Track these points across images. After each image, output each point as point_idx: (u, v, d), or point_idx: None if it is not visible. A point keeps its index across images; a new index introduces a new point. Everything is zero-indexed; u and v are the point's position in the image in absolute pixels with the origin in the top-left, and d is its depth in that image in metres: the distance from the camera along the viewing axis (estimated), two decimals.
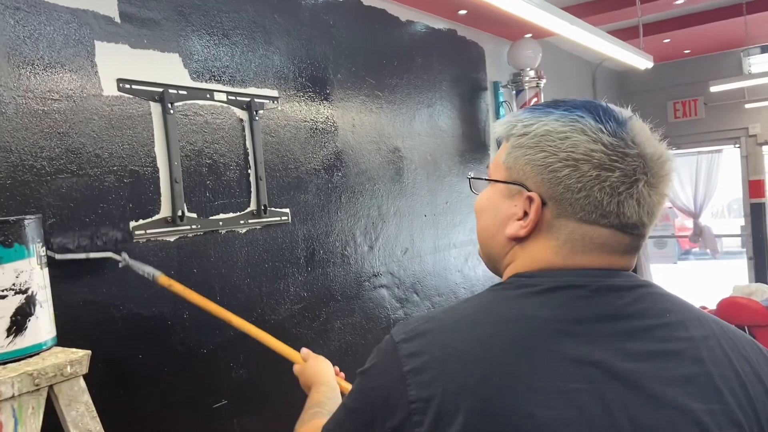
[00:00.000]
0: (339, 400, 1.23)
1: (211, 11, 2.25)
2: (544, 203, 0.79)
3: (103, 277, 1.86)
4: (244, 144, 2.35)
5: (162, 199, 2.05)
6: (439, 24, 3.58)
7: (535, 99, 3.97)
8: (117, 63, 1.94)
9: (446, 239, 3.61)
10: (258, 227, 2.40)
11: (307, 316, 2.59)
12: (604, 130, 0.76)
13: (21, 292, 0.99)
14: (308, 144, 2.66)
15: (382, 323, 3.01)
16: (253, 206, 2.37)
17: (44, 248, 1.08)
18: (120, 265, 1.83)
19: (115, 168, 1.92)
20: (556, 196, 0.77)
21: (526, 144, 0.80)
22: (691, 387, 0.71)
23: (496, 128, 0.87)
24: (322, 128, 2.74)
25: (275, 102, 2.50)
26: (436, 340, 0.73)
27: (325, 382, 1.42)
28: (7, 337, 0.97)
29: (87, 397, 1.27)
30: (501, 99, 4.06)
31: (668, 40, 4.88)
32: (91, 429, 1.28)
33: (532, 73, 3.93)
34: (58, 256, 1.66)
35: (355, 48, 2.95)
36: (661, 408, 0.69)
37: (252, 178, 2.38)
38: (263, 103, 2.44)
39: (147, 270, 1.81)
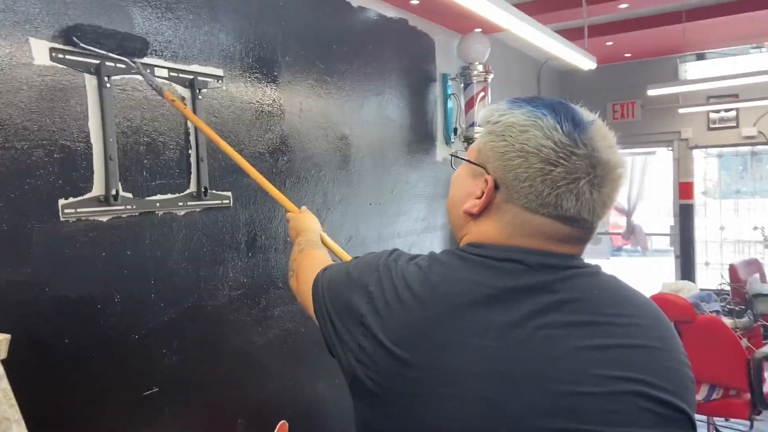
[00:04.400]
0: (321, 245, 1.55)
1: None
2: (497, 187, 0.89)
3: (29, 254, 1.76)
4: (186, 123, 2.27)
5: (95, 176, 1.95)
6: (391, 12, 3.56)
7: (482, 93, 4.01)
8: (51, 31, 1.82)
9: (391, 228, 3.61)
10: (197, 210, 2.32)
11: (246, 302, 2.54)
12: (559, 129, 0.84)
13: None
14: (253, 127, 2.60)
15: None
16: (192, 188, 2.30)
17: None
18: (132, 71, 1.97)
19: (44, 142, 1.81)
20: (507, 183, 0.87)
21: (494, 131, 0.90)
22: (600, 353, 0.80)
23: (480, 113, 1.00)
24: (269, 111, 2.68)
25: (220, 81, 2.42)
26: (398, 282, 0.90)
27: (315, 230, 1.66)
28: None
29: (5, 383, 1.20)
30: (449, 91, 4.08)
31: (611, 43, 5.02)
32: (9, 417, 1.21)
33: (480, 68, 3.97)
34: (83, 45, 1.85)
35: (305, 31, 2.90)
36: (562, 368, 0.78)
37: (192, 159, 2.30)
38: (207, 81, 2.36)
39: (157, 83, 1.96)
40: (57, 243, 1.84)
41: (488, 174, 0.89)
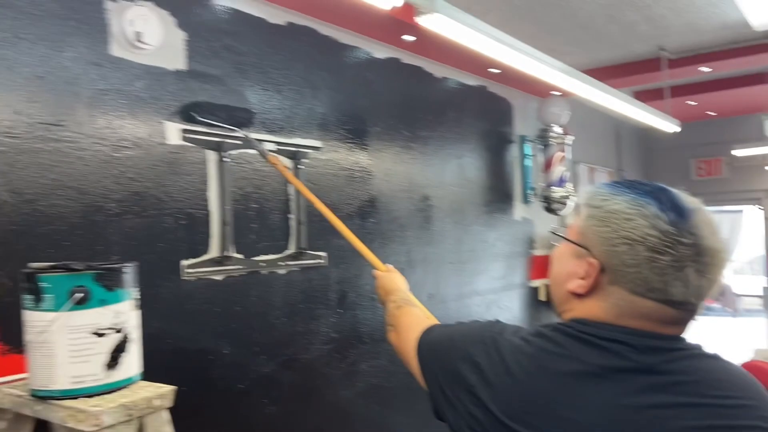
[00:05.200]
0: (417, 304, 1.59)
1: (266, 68, 2.44)
2: (602, 270, 0.91)
3: (157, 309, 2.00)
4: (288, 190, 2.51)
5: (212, 240, 2.20)
6: (471, 80, 3.76)
7: (560, 154, 4.11)
8: (181, 115, 2.12)
9: (470, 286, 3.71)
10: (296, 269, 2.53)
11: (336, 356, 2.70)
12: (664, 218, 0.87)
13: (118, 331, 1.13)
14: (345, 191, 2.81)
15: (406, 367, 3.10)
16: (292, 249, 2.52)
17: (138, 292, 1.22)
18: (241, 137, 2.23)
19: (172, 210, 2.08)
20: (612, 267, 0.90)
21: (597, 216, 0.93)
22: None
23: (580, 194, 1.03)
24: (359, 176, 2.89)
25: (318, 151, 2.66)
26: (507, 356, 0.94)
27: (403, 289, 1.70)
28: (106, 370, 1.10)
29: (170, 429, 1.36)
30: (527, 152, 4.20)
31: (693, 103, 5.01)
32: None
33: (558, 130, 4.08)
34: (200, 118, 2.13)
35: (392, 102, 3.13)
36: None
37: (293, 223, 2.53)
38: (307, 152, 2.60)
39: (262, 148, 2.20)
40: (179, 299, 2.08)
41: (593, 257, 0.92)
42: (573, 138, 4.14)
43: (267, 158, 2.16)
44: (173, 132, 2.10)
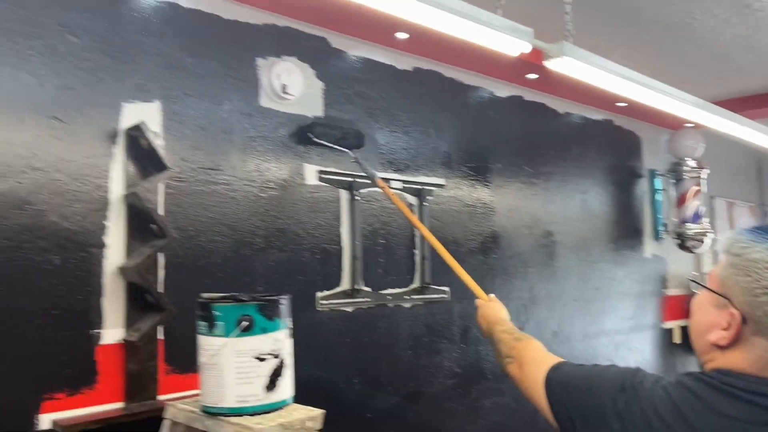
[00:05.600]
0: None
1: (394, 111, 2.59)
2: (744, 321, 0.89)
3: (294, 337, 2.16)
4: (412, 227, 2.61)
5: (344, 273, 2.34)
6: (596, 115, 3.70)
7: (695, 188, 3.89)
8: (319, 157, 2.30)
9: (596, 326, 3.58)
10: (420, 303, 2.61)
11: (458, 392, 2.72)
12: None
13: (276, 356, 1.27)
14: (468, 227, 2.87)
15: (530, 406, 3.04)
16: (417, 283, 2.60)
17: (291, 322, 1.36)
18: (351, 160, 2.27)
19: (309, 245, 2.24)
20: (755, 318, 0.88)
21: (737, 264, 0.91)
22: None
23: (719, 241, 1.02)
24: (481, 213, 2.94)
25: (441, 189, 2.75)
26: (648, 408, 0.92)
27: (507, 320, 1.67)
28: (266, 392, 1.24)
29: None
30: (658, 187, 4.02)
31: None
32: None
33: (692, 163, 3.87)
34: (315, 139, 2.21)
35: (515, 139, 3.16)
36: None
37: (417, 258, 2.62)
38: (431, 189, 2.70)
39: (371, 171, 2.22)
40: (313, 328, 2.23)
41: (734, 308, 0.90)
42: (708, 171, 3.91)
43: (376, 182, 2.22)
44: (311, 173, 2.28)
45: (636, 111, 3.72)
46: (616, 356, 3.68)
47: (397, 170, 2.58)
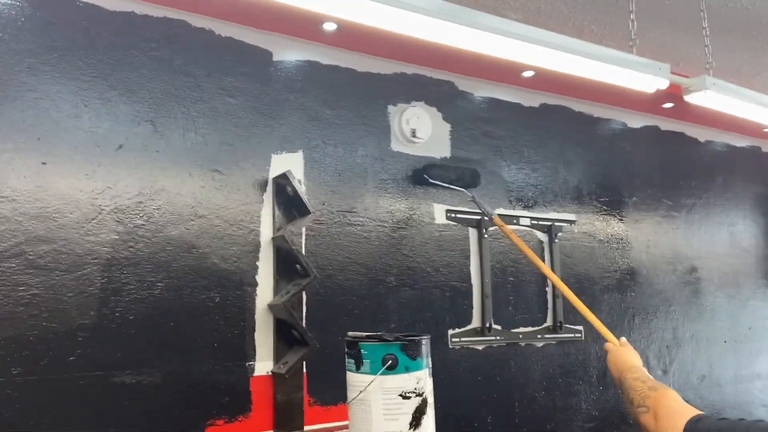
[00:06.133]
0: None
1: (521, 148, 2.59)
2: None
3: None
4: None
5: (474, 311, 2.35)
6: (741, 142, 3.44)
7: None
8: (447, 197, 2.36)
9: (749, 369, 3.27)
10: (553, 342, 2.55)
11: None
12: None
13: (419, 395, 1.32)
14: (601, 264, 2.77)
15: None
16: (549, 322, 2.55)
17: (431, 361, 1.42)
18: (468, 198, 2.28)
19: (439, 283, 2.29)
20: None
21: None
22: None
23: None
24: (616, 248, 2.83)
25: (572, 225, 2.69)
26: None
27: (639, 366, 1.61)
28: (411, 429, 1.30)
29: None
30: None
31: None
32: None
33: None
34: (431, 180, 2.27)
35: (651, 170, 3.03)
36: None
37: (549, 296, 2.57)
38: (561, 226, 2.65)
39: (487, 208, 2.25)
40: (446, 366, 2.25)
41: None
42: None
43: (493, 219, 2.22)
44: (439, 212, 2.34)
45: None
46: None
47: (526, 207, 2.57)
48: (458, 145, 2.42)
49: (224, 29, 1.93)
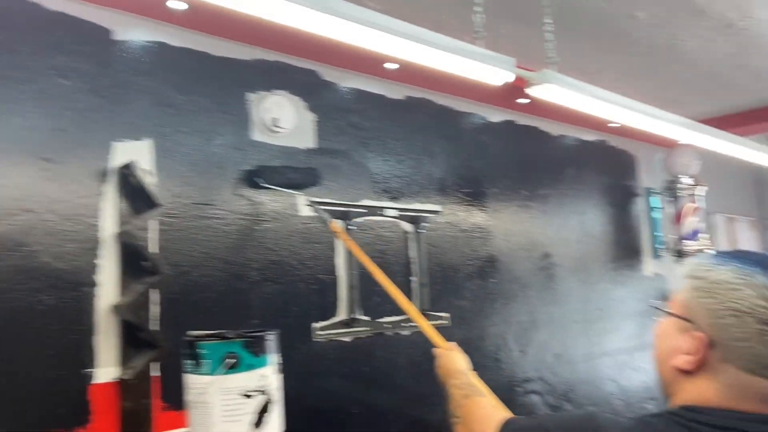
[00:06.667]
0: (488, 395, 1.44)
1: (387, 140, 2.61)
2: (711, 345, 0.85)
3: (290, 370, 2.14)
4: (408, 254, 2.61)
5: (340, 303, 2.33)
6: (590, 136, 3.72)
7: (692, 205, 3.89)
8: (313, 188, 2.31)
9: (599, 347, 3.55)
10: (419, 330, 2.59)
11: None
12: None
13: (263, 393, 1.26)
14: (465, 253, 2.86)
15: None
16: None
17: (279, 357, 1.36)
18: (305, 204, 2.19)
19: (305, 276, 2.24)
20: (721, 342, 0.84)
21: (701, 287, 0.87)
22: None
23: (683, 266, 0.98)
24: (478, 237, 2.94)
25: (437, 215, 2.76)
26: None
27: (467, 372, 1.57)
28: (253, 428, 1.23)
29: None
30: (655, 205, 4.02)
31: None
32: None
33: (688, 180, 3.88)
34: (263, 184, 2.10)
35: (509, 163, 3.18)
36: None
37: (415, 285, 2.61)
38: (427, 216, 2.70)
39: (323, 215, 2.14)
40: (311, 359, 2.21)
41: (699, 331, 0.86)
42: (706, 188, 3.91)
43: (329, 225, 2.16)
44: (304, 204, 2.29)
45: (629, 131, 3.73)
46: (621, 377, 3.64)
47: (392, 198, 2.59)
48: (324, 136, 2.38)
49: (54, 3, 1.73)
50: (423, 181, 2.73)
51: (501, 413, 1.19)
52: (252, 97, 2.18)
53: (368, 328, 2.40)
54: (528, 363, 3.07)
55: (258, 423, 1.24)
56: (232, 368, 1.22)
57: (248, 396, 1.23)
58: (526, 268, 3.17)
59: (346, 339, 2.33)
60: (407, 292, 2.58)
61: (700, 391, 0.87)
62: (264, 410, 1.25)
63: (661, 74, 3.15)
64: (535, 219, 3.27)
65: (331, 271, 2.33)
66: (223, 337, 1.25)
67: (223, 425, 1.21)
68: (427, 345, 2.61)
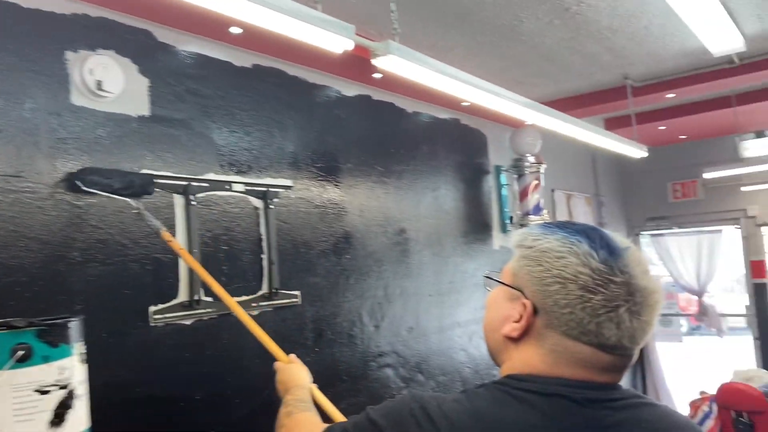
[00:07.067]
0: (312, 405, 1.48)
1: (233, 110, 2.46)
2: (536, 312, 0.89)
3: (124, 358, 1.97)
4: (258, 231, 2.50)
5: (180, 284, 2.18)
6: (444, 114, 3.81)
7: (535, 182, 4.14)
8: (147, 159, 2.12)
9: (451, 318, 3.69)
10: (269, 309, 2.51)
11: None
12: (595, 256, 0.86)
13: (63, 387, 1.11)
14: (318, 229, 2.81)
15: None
16: (264, 289, 2.50)
17: (84, 346, 1.20)
18: (133, 210, 1.98)
19: (138, 256, 2.06)
20: (546, 308, 0.88)
21: (529, 256, 0.91)
22: None
23: (513, 237, 1.00)
24: (332, 213, 2.90)
25: (289, 190, 2.67)
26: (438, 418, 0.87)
27: (304, 386, 1.59)
28: (50, 428, 1.08)
29: None
30: (503, 182, 4.24)
31: (663, 128, 5.10)
32: None
33: (532, 159, 4.12)
34: (85, 188, 1.87)
35: (365, 138, 3.16)
36: None
37: (265, 263, 2.51)
38: (278, 192, 2.61)
39: (153, 223, 1.92)
40: (147, 346, 2.05)
41: (526, 298, 0.90)
42: (546, 166, 4.18)
43: (161, 234, 1.92)
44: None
45: (480, 110, 3.88)
46: (470, 346, 3.82)
47: (239, 172, 2.46)
48: (159, 103, 2.19)
49: None
50: (273, 155, 2.62)
51: (321, 424, 1.19)
52: (72, 56, 1.94)
53: (212, 310, 2.27)
54: (382, 337, 3.11)
55: (56, 421, 1.09)
56: (23, 361, 1.06)
57: (44, 392, 1.08)
58: (381, 244, 3.19)
59: (187, 322, 2.18)
60: (257, 271, 2.48)
61: (526, 359, 0.90)
62: (64, 406, 1.11)
63: (506, 54, 3.28)
64: (390, 195, 3.29)
65: (170, 250, 2.16)
66: (9, 326, 1.08)
67: (13, 426, 1.05)
68: (277, 324, 2.55)
